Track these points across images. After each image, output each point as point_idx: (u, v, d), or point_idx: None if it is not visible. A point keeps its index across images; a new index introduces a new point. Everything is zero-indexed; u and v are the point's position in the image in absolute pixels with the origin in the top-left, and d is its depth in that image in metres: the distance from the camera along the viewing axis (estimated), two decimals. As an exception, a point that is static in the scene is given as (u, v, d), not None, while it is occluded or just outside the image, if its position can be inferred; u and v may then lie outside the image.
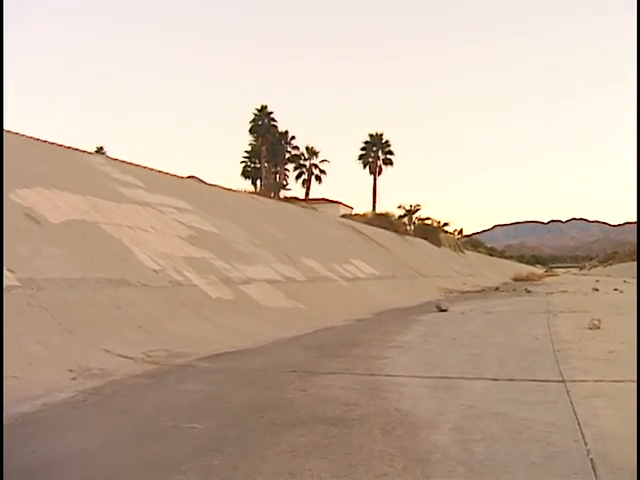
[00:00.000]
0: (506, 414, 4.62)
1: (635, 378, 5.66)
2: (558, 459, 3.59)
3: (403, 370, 6.67)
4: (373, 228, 38.06)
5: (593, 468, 3.42)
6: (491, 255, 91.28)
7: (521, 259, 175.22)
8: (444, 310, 15.10)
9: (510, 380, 6.03)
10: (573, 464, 3.50)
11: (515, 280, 53.39)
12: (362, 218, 43.41)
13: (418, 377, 6.25)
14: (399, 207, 62.72)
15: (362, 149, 76.59)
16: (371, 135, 76.81)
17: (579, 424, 4.32)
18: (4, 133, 14.48)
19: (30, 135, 15.65)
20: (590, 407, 4.82)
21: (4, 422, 4.25)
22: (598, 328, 10.01)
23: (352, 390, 5.46)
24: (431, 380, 6.09)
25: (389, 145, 76.67)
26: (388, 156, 76.37)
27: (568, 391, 5.43)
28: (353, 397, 5.16)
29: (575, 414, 4.59)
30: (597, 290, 25.81)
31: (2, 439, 3.77)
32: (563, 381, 5.89)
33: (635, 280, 35.39)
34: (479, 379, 6.10)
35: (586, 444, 3.87)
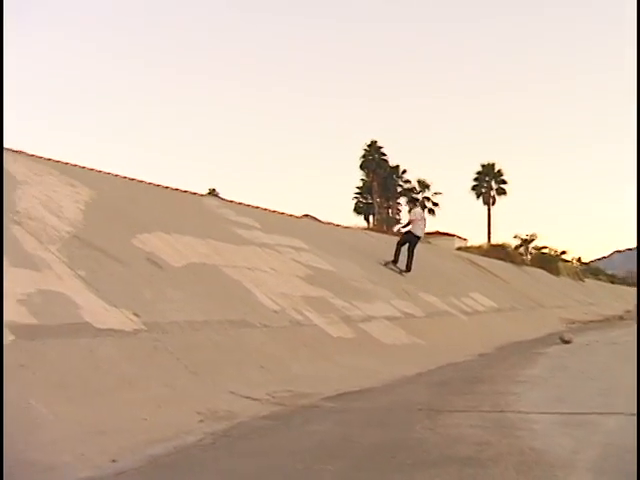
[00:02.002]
0: (648, 452, 4.42)
1: None
2: None
3: (533, 406, 6.49)
4: (489, 259, 37.48)
5: None
6: (612, 282, 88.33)
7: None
8: (568, 342, 14.65)
9: (649, 415, 5.78)
10: None
11: (641, 308, 51.34)
12: (478, 250, 42.84)
13: (549, 413, 6.07)
14: (515, 237, 61.67)
15: (475, 180, 75.94)
16: (483, 165, 76.09)
17: None
18: (128, 181, 15.03)
19: (149, 181, 16.19)
20: None
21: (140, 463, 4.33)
22: None
23: (482, 428, 5.34)
24: (563, 416, 5.90)
25: (502, 174, 75.69)
26: (501, 186, 75.39)
27: None
28: (484, 436, 5.05)
29: None
30: None
31: (2, 442, 3.87)
32: None
33: None
34: (612, 414, 5.88)
35: None
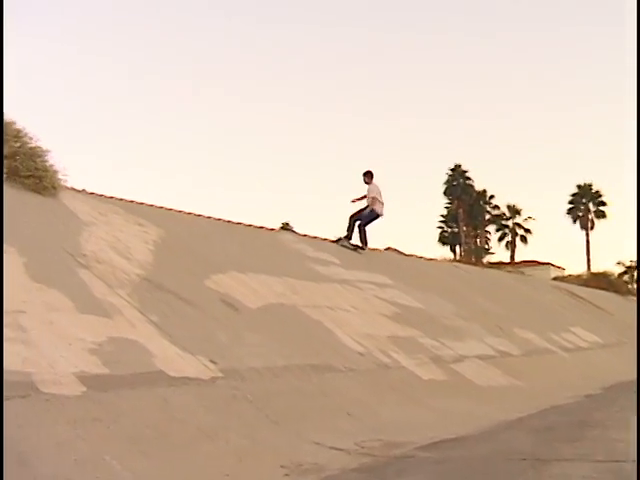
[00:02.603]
0: None
1: None
2: None
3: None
4: (590, 289, 36.78)
5: None
6: None
7: None
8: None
9: None
10: None
11: None
12: (577, 279, 42.06)
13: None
14: (618, 264, 60.46)
15: (570, 202, 74.91)
16: (579, 186, 75.00)
17: None
18: (197, 218, 15.25)
19: (219, 217, 16.38)
20: None
21: None
22: None
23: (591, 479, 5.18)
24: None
25: (600, 195, 74.43)
26: (600, 208, 74.07)
27: None
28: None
29: None
30: None
31: (2, 438, 3.92)
32: None
33: None
34: None
35: None
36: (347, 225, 19.13)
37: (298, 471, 5.82)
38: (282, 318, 10.77)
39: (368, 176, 18.81)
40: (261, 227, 17.73)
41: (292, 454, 6.30)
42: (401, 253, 26.64)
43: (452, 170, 78.23)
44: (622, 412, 9.57)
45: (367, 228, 18.97)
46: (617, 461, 5.99)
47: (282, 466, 5.89)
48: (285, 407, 7.56)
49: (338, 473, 5.82)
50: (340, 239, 19.12)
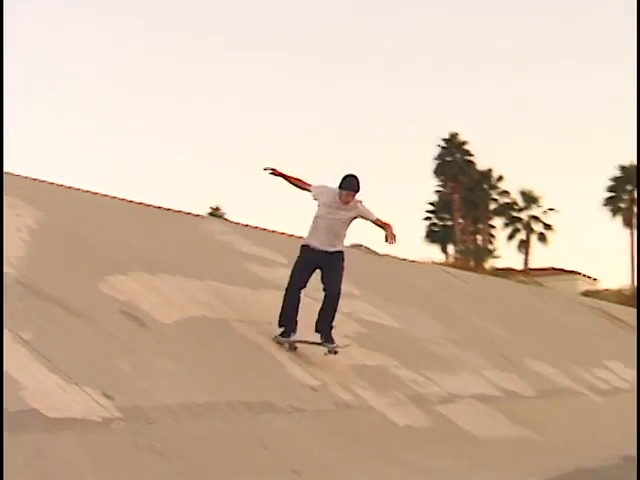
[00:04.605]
0: None
1: None
2: None
3: None
4: (634, 310, 37.12)
5: None
6: None
7: None
8: None
9: None
10: None
11: None
12: (616, 295, 42.50)
13: None
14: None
15: (609, 189, 74.47)
16: (623, 167, 74.29)
17: None
18: (94, 197, 15.21)
19: (123, 198, 16.32)
20: None
21: None
22: None
23: None
24: None
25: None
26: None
27: None
28: None
29: None
30: None
31: (2, 441, 3.83)
32: None
33: None
34: None
35: None
36: None
37: None
38: (206, 338, 10.81)
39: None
40: (179, 212, 17.70)
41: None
42: (373, 252, 26.68)
43: (446, 141, 78.03)
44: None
45: None
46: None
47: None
48: (207, 462, 7.60)
49: None
50: None
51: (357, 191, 11.63)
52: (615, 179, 74.06)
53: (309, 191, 12.15)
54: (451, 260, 60.77)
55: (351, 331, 13.85)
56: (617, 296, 42.15)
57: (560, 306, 30.22)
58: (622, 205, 73.01)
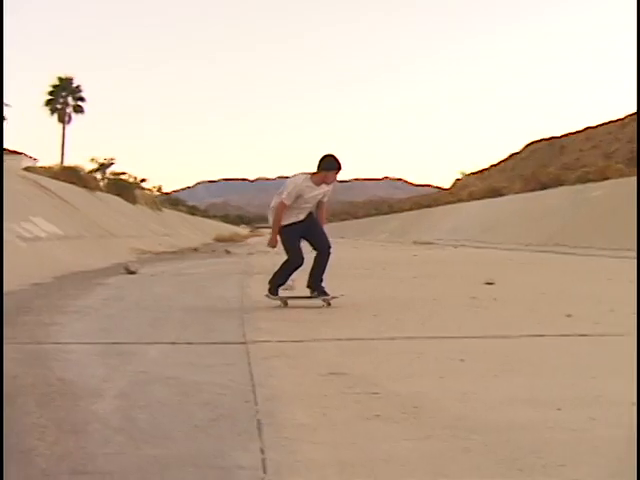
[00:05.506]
0: (178, 378, 4.74)
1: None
2: (223, 421, 3.72)
3: (75, 337, 6.59)
4: (60, 183, 36.83)
5: (258, 428, 3.58)
6: (192, 214, 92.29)
7: (225, 219, 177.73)
8: (133, 272, 15.07)
9: (189, 344, 6.18)
10: (239, 425, 3.64)
11: (217, 241, 54.61)
12: (48, 171, 41.79)
13: (90, 344, 6.20)
14: (91, 160, 61.07)
15: (50, 93, 73.45)
16: (60, 78, 73.76)
17: (253, 385, 4.51)
18: None
19: None
20: (267, 368, 5.05)
21: None
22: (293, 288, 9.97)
23: (12, 361, 5.28)
24: (104, 346, 6.07)
25: (80, 91, 74.26)
26: (79, 103, 73.96)
27: (249, 352, 5.65)
28: (12, 368, 4.99)
29: (251, 375, 4.79)
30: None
31: (2, 434, 3.41)
32: (245, 343, 6.12)
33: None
34: (156, 344, 6.18)
35: (256, 404, 4.06)
36: None
37: None
38: None
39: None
40: None
41: None
42: None
43: None
44: (63, 300, 9.85)
45: None
46: (39, 343, 6.19)
47: None
48: None
49: None
50: None
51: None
52: (54, 86, 73.36)
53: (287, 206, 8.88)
54: None
55: None
56: (49, 172, 41.38)
57: (5, 177, 29.24)
58: (58, 106, 72.72)
